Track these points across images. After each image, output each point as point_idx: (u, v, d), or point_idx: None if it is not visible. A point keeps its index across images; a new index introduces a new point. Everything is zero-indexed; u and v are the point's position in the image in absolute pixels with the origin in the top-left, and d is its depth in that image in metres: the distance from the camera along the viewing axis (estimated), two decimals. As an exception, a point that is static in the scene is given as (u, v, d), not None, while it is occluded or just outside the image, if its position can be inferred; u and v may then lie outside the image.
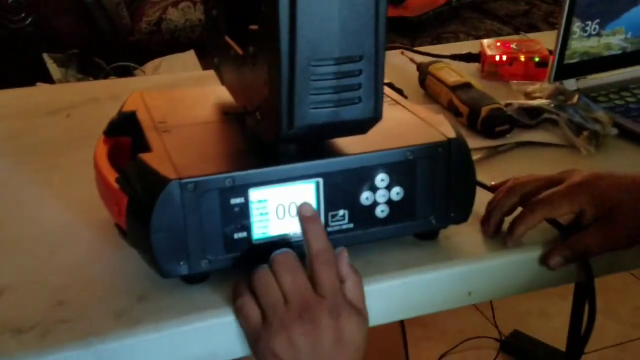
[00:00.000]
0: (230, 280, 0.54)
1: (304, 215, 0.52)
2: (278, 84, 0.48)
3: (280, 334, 0.48)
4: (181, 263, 0.51)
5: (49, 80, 1.35)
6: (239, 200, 0.52)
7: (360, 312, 0.51)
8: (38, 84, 1.17)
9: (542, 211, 0.58)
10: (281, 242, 0.54)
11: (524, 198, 0.60)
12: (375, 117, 0.51)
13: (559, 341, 1.52)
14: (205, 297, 0.53)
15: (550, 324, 1.64)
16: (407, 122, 0.60)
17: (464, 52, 1.03)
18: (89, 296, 0.54)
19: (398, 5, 2.08)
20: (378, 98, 0.50)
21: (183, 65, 1.77)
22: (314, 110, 0.49)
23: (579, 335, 1.37)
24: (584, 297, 1.31)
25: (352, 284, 0.51)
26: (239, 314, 0.51)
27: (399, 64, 1.02)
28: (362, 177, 0.54)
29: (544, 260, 0.58)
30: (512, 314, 1.68)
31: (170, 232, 0.50)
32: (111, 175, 0.55)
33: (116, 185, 0.54)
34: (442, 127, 0.58)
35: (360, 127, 0.52)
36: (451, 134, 0.57)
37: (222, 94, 0.66)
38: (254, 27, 0.51)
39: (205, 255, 0.52)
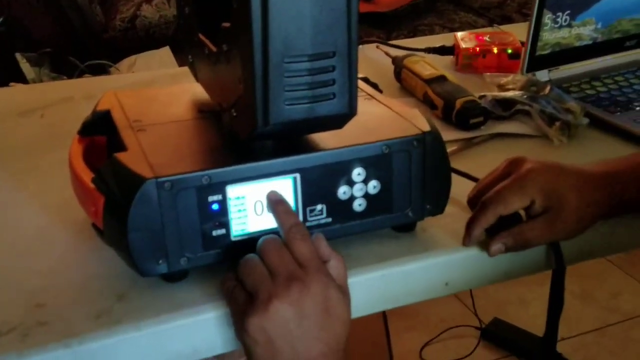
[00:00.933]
0: (210, 277, 0.54)
1: (271, 199, 0.53)
2: (252, 82, 0.48)
3: (266, 306, 0.47)
4: (160, 262, 0.51)
5: (23, 80, 1.33)
6: (216, 197, 0.52)
7: (345, 291, 0.51)
8: (11, 84, 1.16)
9: (494, 210, 0.57)
10: (260, 238, 0.54)
11: (478, 195, 0.60)
12: (350, 113, 0.51)
13: (538, 328, 1.53)
14: (185, 294, 0.53)
15: (529, 311, 1.67)
16: (382, 116, 0.61)
17: (438, 45, 1.03)
18: (67, 298, 0.54)
19: (368, 1, 2.08)
20: (352, 93, 0.51)
21: (159, 62, 1.76)
22: (289, 107, 0.49)
23: (556, 322, 1.39)
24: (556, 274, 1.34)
25: (334, 262, 0.51)
26: (228, 298, 0.51)
27: (375, 58, 1.02)
28: (339, 171, 0.55)
29: (486, 245, 0.58)
30: (491, 302, 1.70)
31: (148, 231, 0.50)
32: (87, 176, 0.55)
33: (92, 186, 0.53)
34: (417, 121, 0.59)
35: (336, 122, 0.53)
36: (426, 127, 0.57)
37: (197, 90, 0.66)
38: (226, 24, 0.52)
39: (183, 253, 0.52)
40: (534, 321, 1.61)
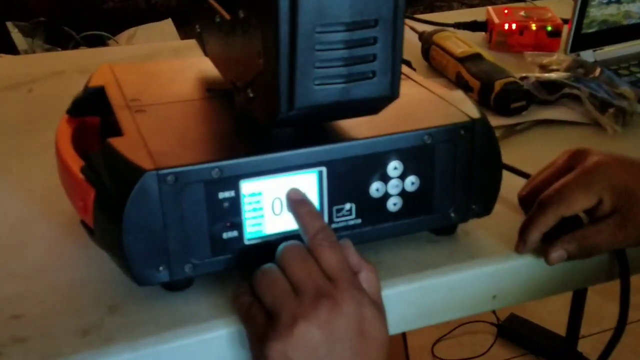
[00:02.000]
0: (219, 287, 0.48)
1: (293, 198, 0.46)
2: (276, 56, 0.40)
3: (291, 329, 0.40)
4: (160, 268, 0.45)
5: (14, 51, 1.27)
6: (228, 194, 0.45)
7: (380, 307, 0.44)
8: (0, 55, 1.08)
9: (555, 211, 0.50)
10: (278, 241, 0.47)
11: (532, 193, 0.53)
12: (392, 96, 0.44)
13: (557, 325, 1.49)
14: (191, 307, 0.47)
15: (548, 307, 1.62)
16: (422, 100, 0.53)
17: (468, 20, 0.95)
18: (49, 308, 0.47)
19: None
20: (396, 72, 0.43)
21: (160, 35, 1.68)
22: (320, 87, 0.41)
23: (579, 320, 1.33)
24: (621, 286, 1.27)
25: (366, 273, 0.45)
26: (243, 317, 0.44)
27: (398, 34, 0.94)
28: (372, 165, 0.48)
29: (543, 252, 0.51)
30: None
31: (147, 232, 0.43)
32: (75, 163, 0.48)
33: (81, 176, 0.46)
34: (464, 106, 0.51)
35: (373, 107, 0.45)
36: (475, 114, 0.50)
37: (205, 66, 0.59)
38: (244, -15, 0.43)
39: (188, 259, 0.45)
40: (553, 317, 1.56)
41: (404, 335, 1.17)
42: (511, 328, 1.55)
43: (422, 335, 1.55)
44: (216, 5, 0.51)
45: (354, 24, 0.40)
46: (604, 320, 1.58)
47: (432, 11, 1.91)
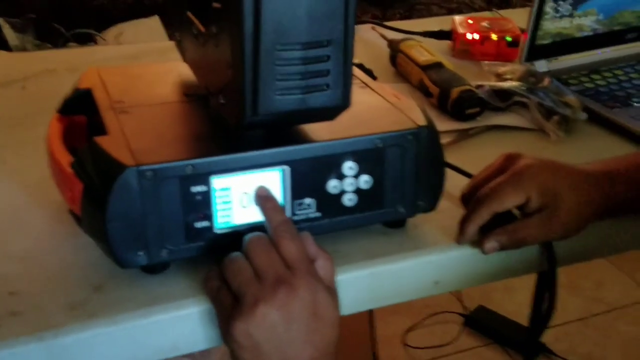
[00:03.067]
0: (191, 270, 0.52)
1: (260, 195, 0.51)
2: (242, 68, 0.45)
3: (253, 310, 0.45)
4: (139, 253, 0.49)
5: (5, 46, 1.29)
6: (200, 188, 0.50)
7: (333, 292, 0.49)
8: (-8, 50, 1.11)
9: (489, 206, 0.55)
10: (245, 231, 0.51)
11: (472, 191, 0.58)
12: (343, 105, 0.49)
13: (523, 317, 1.55)
14: (166, 287, 0.51)
15: (515, 299, 1.67)
16: (376, 107, 0.58)
17: (436, 29, 1.01)
18: (41, 286, 0.51)
19: None
20: (347, 85, 0.48)
21: (147, 32, 1.71)
22: (280, 97, 0.47)
23: (541, 312, 1.39)
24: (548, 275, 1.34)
25: (322, 262, 0.50)
26: (212, 299, 0.49)
27: (370, 40, 0.99)
28: (330, 165, 0.53)
29: (479, 243, 0.56)
30: (477, 288, 1.70)
31: (128, 221, 0.48)
32: (65, 159, 0.53)
33: (70, 171, 0.51)
34: (412, 114, 0.56)
35: (328, 114, 0.51)
36: (421, 121, 0.55)
37: (183, 70, 0.63)
38: (217, 5, 0.48)
39: (165, 245, 0.50)
40: (519, 309, 1.61)
41: (371, 324, 1.22)
42: (478, 318, 1.60)
43: (393, 324, 1.60)
44: (194, 18, 0.56)
45: (309, 44, 0.45)
46: (566, 312, 1.65)
47: (411, 14, 1.96)
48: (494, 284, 1.74)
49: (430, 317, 1.62)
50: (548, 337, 1.52)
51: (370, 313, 1.23)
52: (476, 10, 1.98)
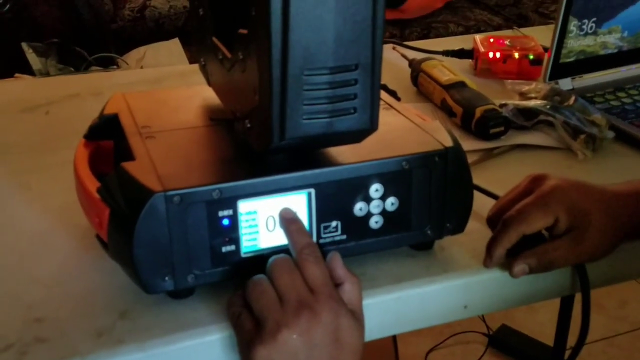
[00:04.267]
0: (216, 294, 0.52)
1: (284, 217, 0.51)
2: (269, 94, 0.45)
3: (275, 336, 0.44)
4: (166, 278, 0.49)
5: (28, 70, 1.31)
6: (227, 212, 0.49)
7: (358, 317, 0.49)
8: (16, 74, 1.13)
9: (516, 229, 0.54)
10: (271, 255, 0.51)
11: (498, 213, 0.57)
12: (371, 128, 0.49)
13: (545, 336, 1.52)
14: (192, 313, 0.51)
15: (537, 319, 1.64)
16: (402, 129, 0.58)
17: (456, 47, 1.00)
18: (68, 312, 0.51)
19: (395, 8, 2.03)
20: (374, 108, 0.48)
21: (168, 54, 1.72)
22: (307, 121, 0.46)
23: (566, 331, 1.37)
24: (571, 294, 1.31)
25: (349, 286, 0.49)
26: (234, 325, 0.49)
27: (391, 60, 0.99)
28: (356, 187, 0.52)
29: (508, 266, 0.55)
30: (499, 308, 1.67)
31: (155, 247, 0.48)
32: (92, 184, 0.53)
33: (97, 196, 0.51)
34: (439, 135, 0.56)
35: (355, 138, 0.50)
36: (448, 142, 0.55)
37: (208, 95, 0.63)
38: (243, 31, 0.49)
39: (191, 270, 0.50)
40: (541, 329, 1.58)
41: (395, 344, 1.21)
42: (501, 338, 1.58)
43: (415, 344, 1.58)
44: (219, 44, 0.56)
45: (337, 68, 0.45)
46: (589, 332, 1.61)
47: (428, 32, 1.97)
48: (517, 303, 1.72)
49: (453, 337, 1.60)
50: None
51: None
52: (494, 28, 1.97)
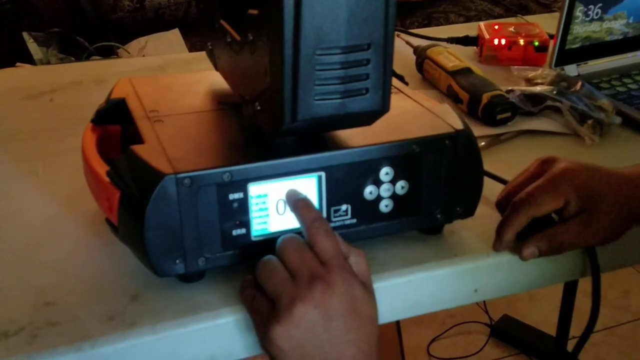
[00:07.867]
0: (227, 278, 0.52)
1: (291, 197, 0.50)
2: (280, 75, 0.45)
3: (290, 311, 0.44)
4: (177, 262, 0.49)
5: (30, 60, 1.30)
6: (237, 195, 0.49)
7: (369, 288, 0.48)
8: (18, 64, 1.13)
9: (526, 212, 0.54)
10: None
11: (507, 197, 0.57)
12: (383, 110, 0.48)
13: (548, 326, 1.53)
14: (203, 296, 0.51)
15: (539, 309, 1.65)
16: (411, 112, 0.58)
17: (461, 35, 1.00)
18: (78, 296, 0.51)
19: None
20: (386, 89, 0.48)
21: (168, 44, 1.72)
22: (319, 102, 0.46)
23: (568, 321, 1.37)
24: (574, 283, 1.31)
25: (355, 258, 0.48)
26: (248, 308, 0.48)
27: (395, 46, 0.98)
28: (366, 170, 0.52)
29: (518, 249, 0.55)
30: (501, 298, 1.67)
31: (165, 230, 0.48)
32: (101, 168, 0.52)
33: (106, 179, 0.51)
34: (449, 118, 0.56)
35: (366, 119, 0.50)
36: (459, 125, 0.54)
37: (215, 79, 0.63)
38: (253, 11, 0.48)
39: (202, 253, 0.49)
40: (544, 319, 1.59)
41: (399, 334, 1.21)
42: (504, 328, 1.58)
43: (418, 334, 1.58)
44: (228, 27, 0.56)
45: (349, 48, 0.45)
46: (593, 321, 1.62)
47: (429, 22, 1.96)
48: (518, 293, 1.72)
49: (455, 327, 1.60)
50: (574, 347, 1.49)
51: (397, 323, 1.22)
52: (495, 18, 1.97)
